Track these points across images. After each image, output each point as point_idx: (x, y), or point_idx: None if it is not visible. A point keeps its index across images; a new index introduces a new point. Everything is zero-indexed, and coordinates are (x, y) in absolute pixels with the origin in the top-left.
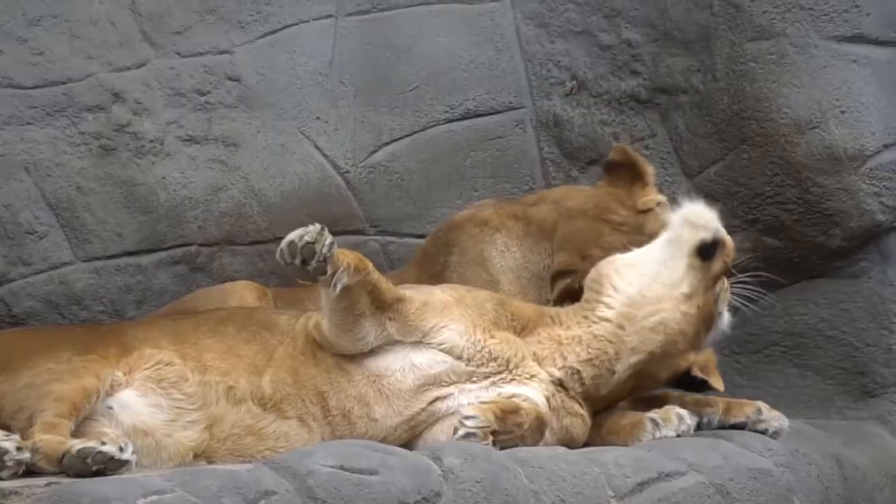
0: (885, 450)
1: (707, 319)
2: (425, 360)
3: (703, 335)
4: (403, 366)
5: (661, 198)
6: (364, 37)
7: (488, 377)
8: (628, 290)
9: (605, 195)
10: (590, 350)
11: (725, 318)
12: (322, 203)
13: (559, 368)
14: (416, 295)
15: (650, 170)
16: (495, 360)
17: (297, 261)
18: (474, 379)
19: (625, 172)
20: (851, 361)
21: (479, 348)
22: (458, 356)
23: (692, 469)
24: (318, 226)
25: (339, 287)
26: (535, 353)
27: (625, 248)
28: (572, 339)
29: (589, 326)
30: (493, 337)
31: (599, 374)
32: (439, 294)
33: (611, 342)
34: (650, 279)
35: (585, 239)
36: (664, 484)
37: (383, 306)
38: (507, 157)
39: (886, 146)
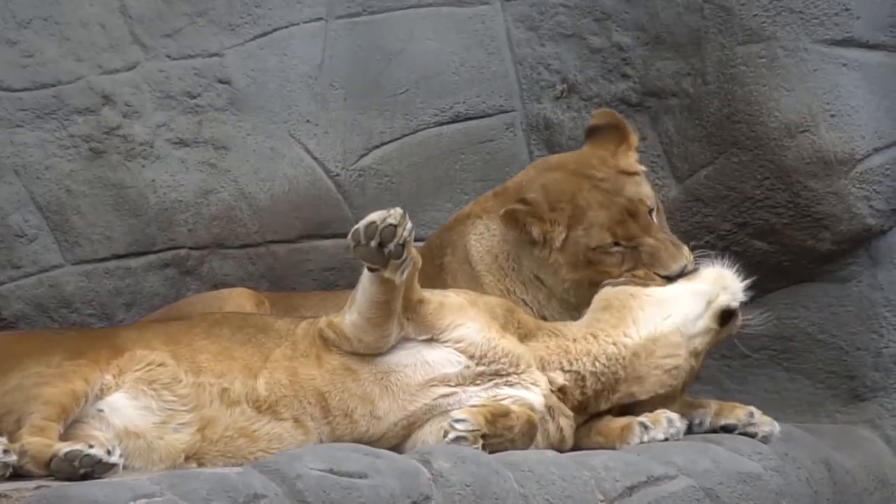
0: (874, 454)
1: (694, 377)
2: (438, 359)
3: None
4: (415, 362)
5: (642, 168)
6: (354, 40)
7: (493, 379)
8: (649, 326)
9: (587, 154)
10: (597, 364)
11: None
12: (312, 206)
13: (565, 372)
14: (432, 297)
15: (634, 135)
16: (507, 356)
17: (374, 243)
18: (478, 381)
19: (609, 135)
20: (841, 365)
21: (492, 345)
22: (472, 355)
23: (682, 473)
24: (399, 209)
25: (405, 273)
26: (541, 358)
27: (600, 206)
28: (581, 351)
29: (600, 345)
30: (504, 338)
31: (602, 389)
32: (454, 297)
33: (622, 366)
34: (673, 325)
35: (562, 189)
36: (654, 488)
37: (408, 306)
38: (498, 160)
39: (876, 150)
